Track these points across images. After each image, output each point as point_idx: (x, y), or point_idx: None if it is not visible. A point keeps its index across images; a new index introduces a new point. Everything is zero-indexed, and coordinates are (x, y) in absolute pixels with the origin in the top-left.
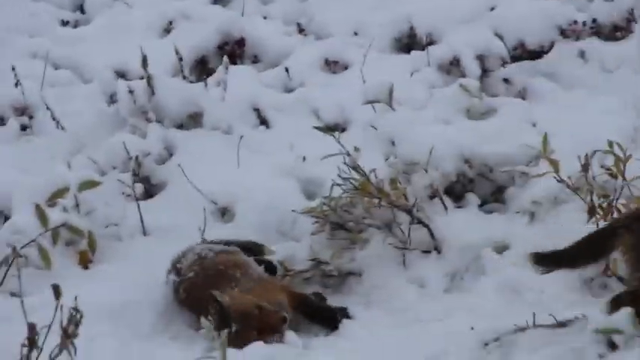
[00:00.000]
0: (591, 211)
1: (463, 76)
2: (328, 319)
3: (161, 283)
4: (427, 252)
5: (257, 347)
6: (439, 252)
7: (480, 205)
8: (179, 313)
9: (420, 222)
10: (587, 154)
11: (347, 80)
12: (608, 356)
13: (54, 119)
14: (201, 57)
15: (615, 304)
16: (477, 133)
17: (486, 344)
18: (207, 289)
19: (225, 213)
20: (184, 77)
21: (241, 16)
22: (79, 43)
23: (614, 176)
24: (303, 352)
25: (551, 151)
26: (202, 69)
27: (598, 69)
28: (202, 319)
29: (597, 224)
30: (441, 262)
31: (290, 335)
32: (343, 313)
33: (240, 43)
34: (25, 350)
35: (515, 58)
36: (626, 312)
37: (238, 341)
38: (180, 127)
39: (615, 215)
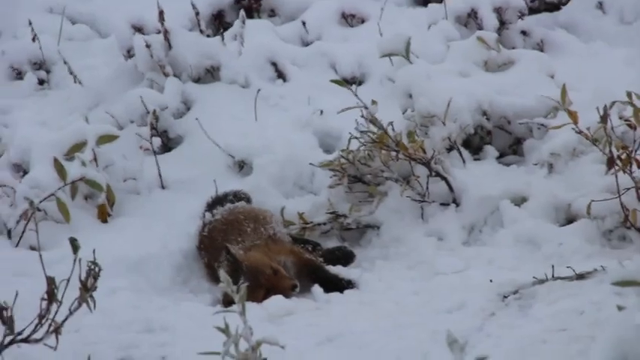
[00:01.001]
0: (610, 163)
1: (480, 28)
2: (333, 289)
3: (180, 236)
4: (445, 204)
5: (277, 301)
6: (457, 205)
7: (498, 158)
8: (198, 266)
9: (438, 174)
10: (605, 106)
11: (364, 33)
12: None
13: (71, 73)
14: (218, 11)
15: None
16: (495, 86)
17: (505, 297)
18: (220, 234)
19: (242, 166)
20: (201, 31)
21: None
22: None
23: (632, 127)
24: (323, 306)
25: (570, 103)
26: (219, 23)
27: (617, 20)
28: (221, 272)
29: (616, 175)
30: (460, 215)
31: (316, 290)
32: (349, 283)
33: None
34: (45, 304)
35: (533, 11)
36: None
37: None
38: (198, 80)
39: (634, 166)
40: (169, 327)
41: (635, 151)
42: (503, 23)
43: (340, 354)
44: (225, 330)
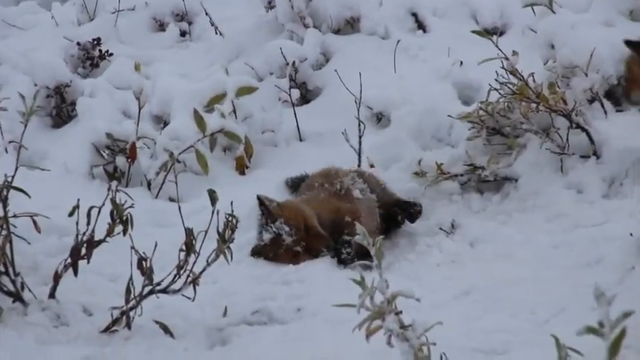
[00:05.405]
0: None
1: None
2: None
3: None
4: (585, 157)
5: None
6: (598, 157)
7: None
8: None
9: (578, 126)
10: None
11: None
12: None
13: (212, 25)
14: None
15: None
16: None
17: None
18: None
19: (380, 118)
20: None
21: None
22: None
23: None
24: (458, 259)
25: None
26: None
27: None
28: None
29: None
30: (600, 167)
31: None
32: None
33: None
34: (183, 255)
35: None
36: None
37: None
38: (338, 32)
39: None
40: (305, 279)
41: None
42: None
43: (476, 306)
44: (360, 282)
